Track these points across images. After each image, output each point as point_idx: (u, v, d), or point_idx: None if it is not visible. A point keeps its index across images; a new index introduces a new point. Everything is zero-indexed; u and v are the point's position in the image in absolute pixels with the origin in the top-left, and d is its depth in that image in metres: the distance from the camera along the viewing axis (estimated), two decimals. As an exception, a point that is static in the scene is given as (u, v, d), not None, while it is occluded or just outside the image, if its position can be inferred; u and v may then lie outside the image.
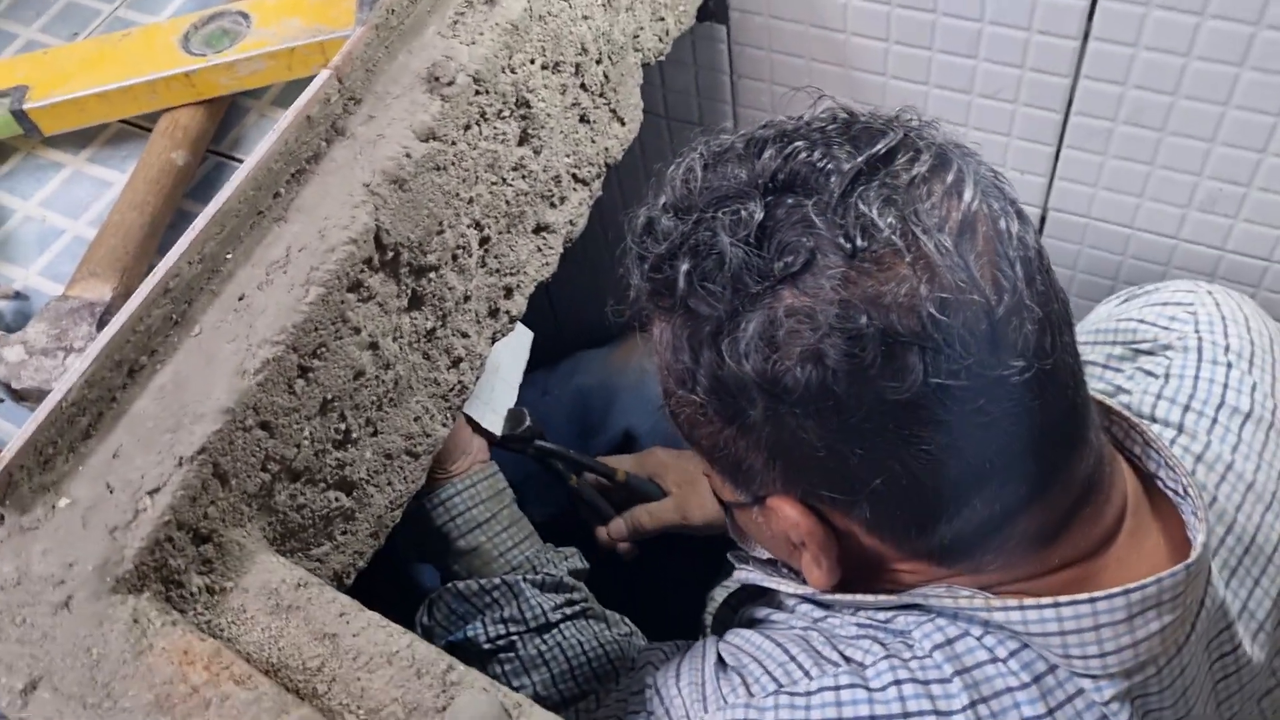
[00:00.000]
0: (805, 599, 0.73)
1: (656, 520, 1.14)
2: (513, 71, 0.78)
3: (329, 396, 0.67)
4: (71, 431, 0.61)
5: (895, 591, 0.67)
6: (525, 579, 0.95)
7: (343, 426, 0.70)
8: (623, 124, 0.95)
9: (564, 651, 0.93)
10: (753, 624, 0.77)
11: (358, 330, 0.68)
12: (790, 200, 0.58)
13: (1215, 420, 0.74)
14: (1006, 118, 0.99)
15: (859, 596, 0.68)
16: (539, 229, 0.87)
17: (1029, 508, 0.61)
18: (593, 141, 0.91)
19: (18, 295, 0.80)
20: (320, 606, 0.59)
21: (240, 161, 0.85)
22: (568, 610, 0.95)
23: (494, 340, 0.85)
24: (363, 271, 0.68)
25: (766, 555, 0.76)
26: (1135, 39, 0.88)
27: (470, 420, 0.99)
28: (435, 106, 0.72)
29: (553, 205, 0.88)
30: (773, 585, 0.75)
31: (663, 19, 0.96)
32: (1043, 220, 1.07)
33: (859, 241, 0.55)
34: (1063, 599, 0.61)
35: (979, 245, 0.57)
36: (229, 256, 0.67)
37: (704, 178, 0.61)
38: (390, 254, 0.70)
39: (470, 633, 0.93)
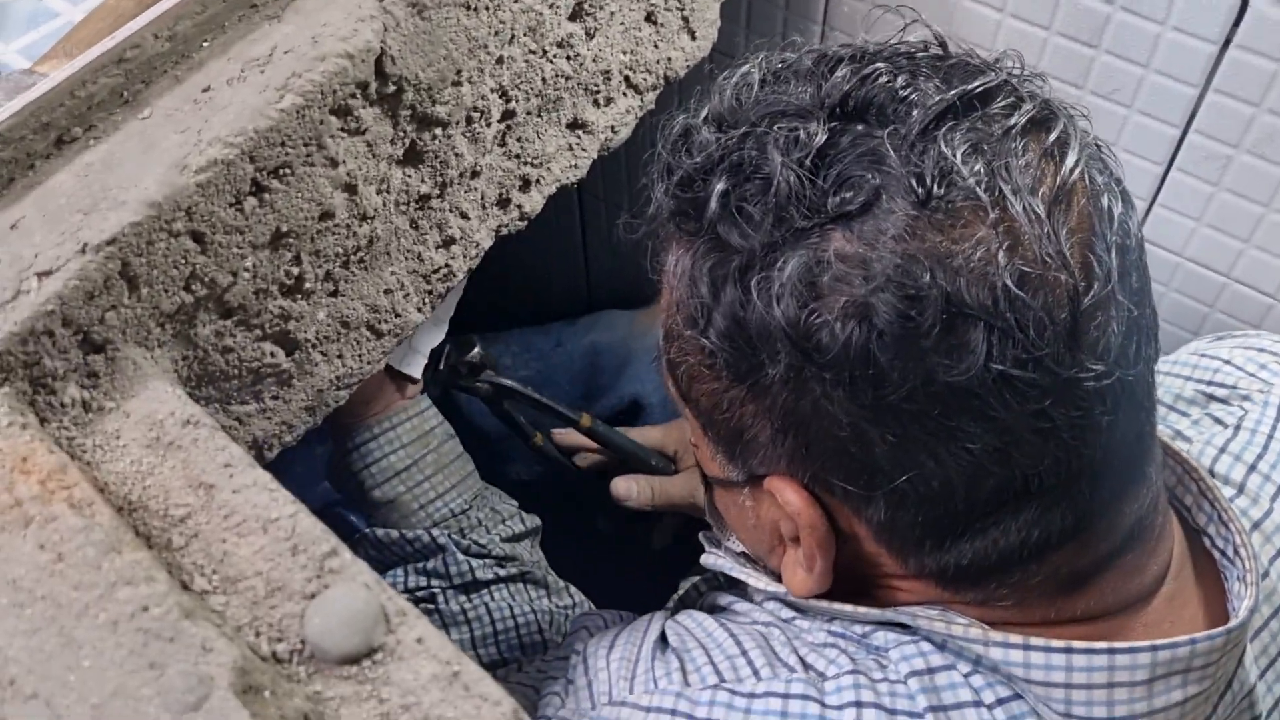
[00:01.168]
0: (775, 597, 0.63)
1: (664, 495, 1.03)
2: (579, -72, 0.69)
3: (285, 229, 0.58)
4: (-30, 189, 0.52)
5: (880, 605, 0.57)
6: (451, 538, 0.84)
7: (295, 271, 0.60)
8: (693, 38, 0.85)
9: (490, 613, 0.83)
10: (714, 610, 0.67)
11: (334, 163, 0.59)
12: (860, 128, 0.48)
13: None
14: (1118, 123, 0.88)
15: (836, 605, 0.58)
16: (575, 124, 0.77)
17: (1068, 543, 0.51)
18: (656, 46, 0.81)
19: (-13, 66, 0.72)
20: (205, 452, 0.49)
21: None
22: (500, 571, 0.85)
23: (498, 234, 0.75)
24: (354, 97, 0.58)
25: (740, 548, 0.66)
26: (1285, 55, 0.77)
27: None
28: (480, -64, 0.63)
29: (596, 103, 0.78)
30: (741, 576, 0.65)
31: (762, -66, 0.87)
32: (1130, 252, 0.96)
33: (935, 188, 0.46)
34: (1076, 644, 0.51)
35: (1073, 220, 0.47)
36: (205, 44, 0.57)
37: (760, 92, 0.52)
38: (392, 87, 0.60)
39: (390, 579, 0.83)
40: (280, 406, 0.64)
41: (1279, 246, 0.87)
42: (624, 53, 0.78)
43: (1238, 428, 0.65)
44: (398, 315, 0.69)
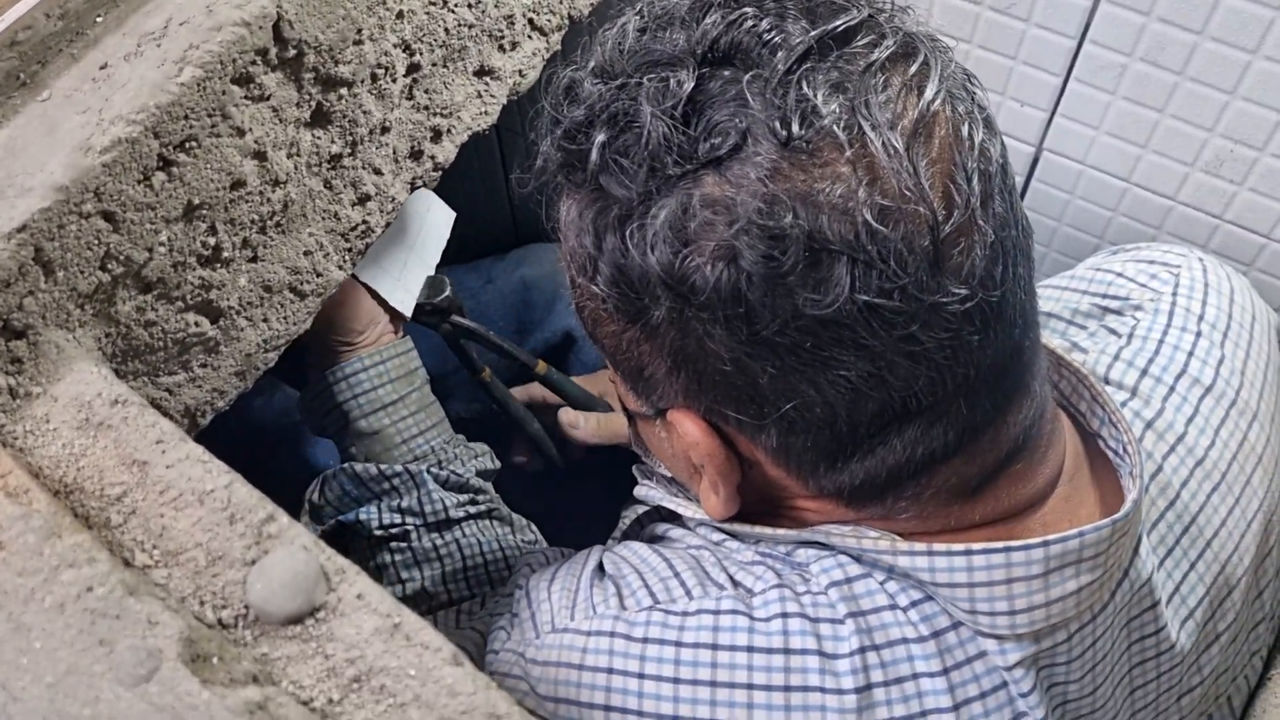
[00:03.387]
0: (705, 523, 0.66)
1: (608, 428, 1.06)
2: (470, -124, 0.69)
3: (197, 201, 0.58)
4: (-128, 185, 0.52)
5: (797, 527, 0.60)
6: (429, 471, 0.87)
7: (212, 241, 0.61)
8: (595, -25, 0.85)
9: (461, 550, 0.86)
10: (652, 540, 0.70)
11: (241, 132, 0.59)
12: (727, 73, 0.50)
13: (1173, 389, 0.67)
14: (1016, 38, 0.90)
15: (758, 529, 0.61)
16: (482, 72, 0.78)
17: (953, 456, 0.54)
18: (558, -13, 0.82)
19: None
20: (135, 430, 0.50)
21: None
22: (471, 509, 0.88)
23: (413, 187, 0.76)
24: (254, 64, 0.58)
25: (669, 474, 0.69)
26: (1169, -37, 0.79)
27: (378, 297, 0.88)
28: (369, -108, 0.63)
29: (502, 49, 0.79)
30: (671, 506, 0.68)
31: None
32: (1035, 162, 0.99)
33: (795, 129, 0.47)
34: (975, 546, 0.54)
35: (934, 151, 0.49)
36: (98, 20, 0.57)
37: (638, 40, 0.53)
38: (292, 51, 0.60)
39: (364, 515, 0.86)
40: (210, 374, 0.65)
41: (1175, 150, 0.90)
42: (526, -4, 0.79)
43: (1130, 335, 0.68)
44: (319, 275, 0.70)
